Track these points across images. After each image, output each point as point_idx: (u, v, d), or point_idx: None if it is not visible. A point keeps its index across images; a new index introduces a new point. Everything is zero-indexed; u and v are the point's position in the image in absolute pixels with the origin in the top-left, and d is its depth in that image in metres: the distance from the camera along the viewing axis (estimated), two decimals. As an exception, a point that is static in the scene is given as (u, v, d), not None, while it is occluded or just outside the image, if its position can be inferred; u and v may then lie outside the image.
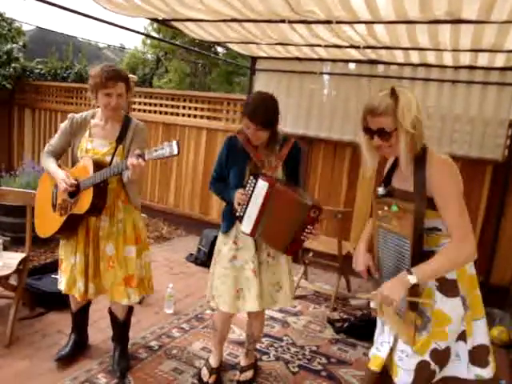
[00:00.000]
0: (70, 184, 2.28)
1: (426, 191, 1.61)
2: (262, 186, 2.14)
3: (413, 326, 1.65)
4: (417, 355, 1.66)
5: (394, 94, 1.60)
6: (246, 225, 2.21)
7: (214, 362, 2.62)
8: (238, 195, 2.22)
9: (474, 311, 1.67)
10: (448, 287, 1.63)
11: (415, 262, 1.60)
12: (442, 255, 1.60)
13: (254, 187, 2.17)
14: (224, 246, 2.39)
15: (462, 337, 1.64)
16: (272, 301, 2.40)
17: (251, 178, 2.20)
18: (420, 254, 1.61)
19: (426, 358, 1.65)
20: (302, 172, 2.42)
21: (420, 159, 1.64)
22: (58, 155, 2.52)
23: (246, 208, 2.20)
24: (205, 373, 2.59)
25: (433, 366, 1.64)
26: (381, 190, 1.77)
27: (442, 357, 1.65)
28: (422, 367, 1.65)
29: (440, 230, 1.67)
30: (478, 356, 1.63)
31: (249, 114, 2.18)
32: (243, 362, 2.71)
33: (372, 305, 1.80)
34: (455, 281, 1.64)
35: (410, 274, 1.57)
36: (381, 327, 1.88)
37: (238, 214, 2.25)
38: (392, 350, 1.77)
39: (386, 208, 1.70)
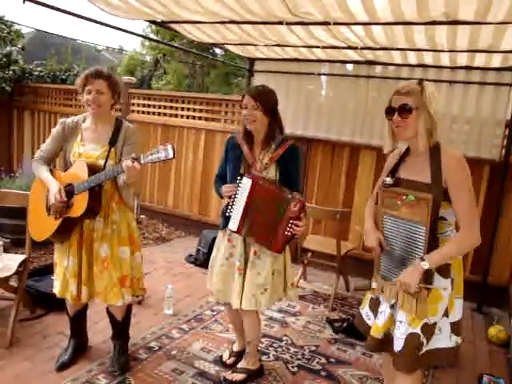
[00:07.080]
0: (60, 201, 2.28)
1: (442, 182, 1.78)
2: (245, 183, 2.27)
3: (425, 302, 1.81)
4: (410, 327, 1.84)
5: (421, 83, 1.81)
6: (233, 222, 2.32)
7: (235, 347, 2.84)
8: (224, 189, 2.36)
9: (456, 291, 1.89)
10: (443, 269, 1.83)
11: (430, 246, 1.79)
12: (450, 242, 1.81)
13: (239, 185, 2.29)
14: (222, 244, 2.49)
15: (446, 313, 1.87)
16: (256, 302, 2.37)
17: (239, 177, 2.30)
18: (434, 239, 1.81)
19: (417, 330, 1.83)
20: (299, 175, 2.44)
21: (435, 152, 1.82)
22: (50, 160, 2.51)
23: (233, 206, 2.31)
24: (226, 354, 2.82)
25: (422, 338, 1.84)
26: (388, 180, 1.93)
27: (430, 331, 1.85)
28: (412, 337, 1.84)
29: (446, 219, 1.84)
30: (456, 327, 1.90)
31: (246, 89, 2.42)
32: (240, 364, 2.68)
33: (373, 285, 1.98)
34: (449, 264, 1.84)
35: (423, 260, 1.76)
36: (373, 301, 2.06)
37: (227, 213, 2.35)
38: (389, 320, 1.95)
39: (403, 197, 1.84)
